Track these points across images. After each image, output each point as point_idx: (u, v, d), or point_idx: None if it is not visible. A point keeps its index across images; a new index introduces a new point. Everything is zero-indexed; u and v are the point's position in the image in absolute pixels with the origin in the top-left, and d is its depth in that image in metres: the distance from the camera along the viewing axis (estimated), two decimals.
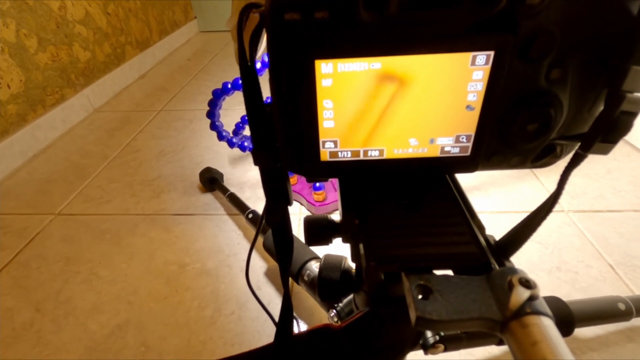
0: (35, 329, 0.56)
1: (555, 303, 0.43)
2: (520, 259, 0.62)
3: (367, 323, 0.30)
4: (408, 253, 0.20)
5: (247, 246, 0.69)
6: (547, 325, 0.16)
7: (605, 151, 0.19)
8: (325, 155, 0.22)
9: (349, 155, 0.22)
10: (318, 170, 0.22)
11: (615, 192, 0.77)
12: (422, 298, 0.18)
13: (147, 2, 1.66)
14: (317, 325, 0.30)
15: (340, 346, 0.30)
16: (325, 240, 0.26)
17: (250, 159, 0.95)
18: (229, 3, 0.38)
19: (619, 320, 0.47)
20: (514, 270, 0.18)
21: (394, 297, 0.30)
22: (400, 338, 0.32)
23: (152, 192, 0.85)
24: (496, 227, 0.68)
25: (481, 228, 0.22)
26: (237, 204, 0.72)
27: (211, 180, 0.83)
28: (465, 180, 0.72)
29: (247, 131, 0.95)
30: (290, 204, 0.26)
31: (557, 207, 0.73)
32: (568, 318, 0.42)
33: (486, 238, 0.21)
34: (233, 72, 1.55)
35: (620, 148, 0.92)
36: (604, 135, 0.18)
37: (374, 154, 0.21)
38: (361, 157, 0.22)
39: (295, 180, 0.81)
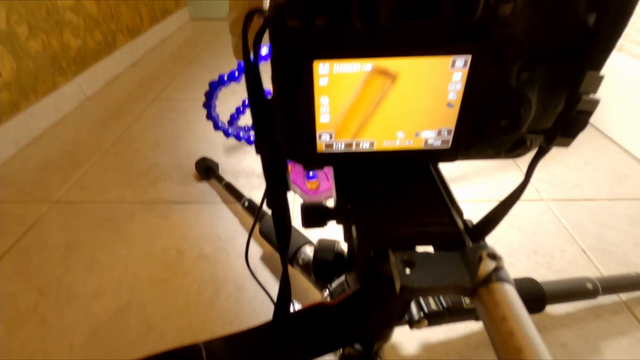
0: (40, 312, 0.58)
1: (529, 283, 0.47)
2: (502, 243, 0.66)
3: (358, 299, 0.33)
4: (394, 233, 0.23)
5: (243, 233, 0.71)
6: (509, 290, 0.19)
7: (566, 144, 0.22)
8: (321, 146, 0.24)
9: (343, 146, 0.24)
10: (314, 160, 0.25)
11: (592, 182, 0.81)
12: (406, 271, 0.21)
13: None
14: (312, 303, 0.33)
15: (334, 321, 0.33)
16: (320, 222, 0.29)
17: (245, 149, 0.97)
18: None
19: (586, 298, 0.52)
20: (483, 247, 0.21)
21: (382, 277, 0.33)
22: (388, 313, 0.35)
23: (149, 181, 0.87)
24: (481, 214, 0.71)
25: (459, 212, 0.25)
26: (233, 193, 0.75)
27: (207, 170, 0.85)
28: (452, 170, 0.76)
29: (241, 121, 0.96)
30: (289, 189, 0.29)
31: (536, 196, 0.77)
32: (540, 296, 0.46)
33: (463, 220, 0.24)
34: (226, 60, 1.55)
35: (598, 140, 0.96)
36: (564, 130, 0.21)
37: (365, 146, 0.24)
38: (353, 148, 0.24)
39: (290, 170, 0.83)
